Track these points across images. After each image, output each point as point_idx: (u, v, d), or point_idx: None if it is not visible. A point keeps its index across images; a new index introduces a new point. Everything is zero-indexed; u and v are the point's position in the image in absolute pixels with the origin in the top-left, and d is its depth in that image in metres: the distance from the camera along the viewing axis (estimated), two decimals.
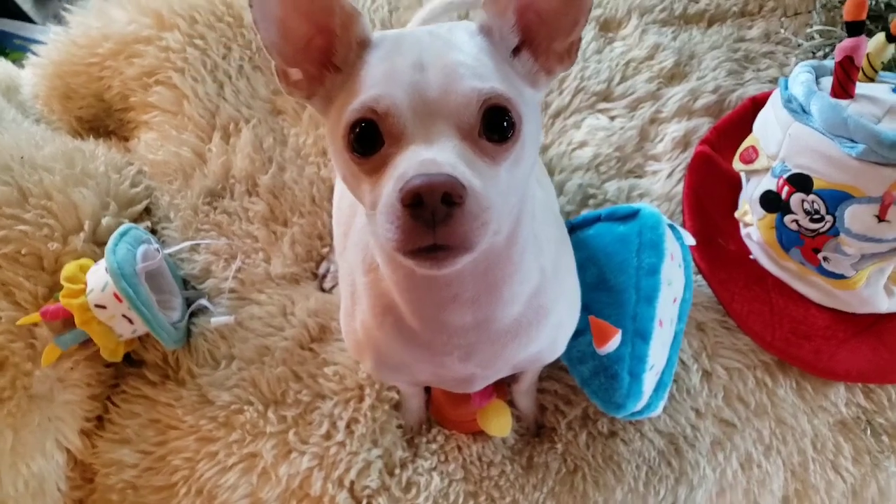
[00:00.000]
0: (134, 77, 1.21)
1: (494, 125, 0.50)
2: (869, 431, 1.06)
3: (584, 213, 1.07)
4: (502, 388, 1.02)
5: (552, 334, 0.73)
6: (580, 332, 0.90)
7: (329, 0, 0.52)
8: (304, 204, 1.17)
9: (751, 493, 1.04)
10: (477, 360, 0.68)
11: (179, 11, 1.20)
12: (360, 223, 0.68)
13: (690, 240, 0.97)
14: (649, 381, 0.92)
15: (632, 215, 0.94)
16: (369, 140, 0.50)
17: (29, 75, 1.31)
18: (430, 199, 0.44)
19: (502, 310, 0.63)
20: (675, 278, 0.92)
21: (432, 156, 0.47)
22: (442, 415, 1.04)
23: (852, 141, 0.91)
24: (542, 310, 0.68)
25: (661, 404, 0.97)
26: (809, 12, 1.27)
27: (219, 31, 1.21)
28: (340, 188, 0.88)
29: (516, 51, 0.55)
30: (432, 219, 0.45)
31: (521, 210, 0.58)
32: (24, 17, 2.01)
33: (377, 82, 0.50)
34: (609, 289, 0.93)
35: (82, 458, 1.03)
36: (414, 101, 0.49)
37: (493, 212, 0.48)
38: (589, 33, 1.30)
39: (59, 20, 1.30)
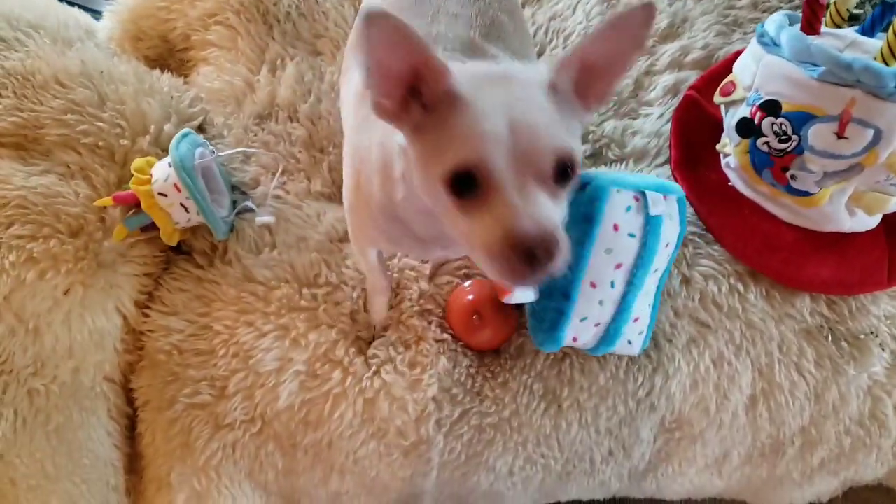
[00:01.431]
0: (196, 18, 1.40)
1: (560, 172, 0.64)
2: (830, 338, 1.18)
3: None
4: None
5: None
6: None
7: (424, 53, 0.62)
8: (336, 134, 1.33)
9: (721, 387, 1.16)
10: (452, 250, 0.91)
11: None
12: (379, 154, 0.80)
13: (656, 209, 1.03)
14: (584, 329, 1.06)
15: (581, 187, 1.05)
16: (467, 185, 0.63)
17: (105, 21, 1.51)
18: (540, 253, 0.59)
19: None
20: (618, 246, 1.02)
21: (536, 213, 0.61)
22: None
23: (814, 65, 1.06)
24: None
25: (640, 345, 1.11)
26: None
27: None
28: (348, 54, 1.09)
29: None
30: (536, 262, 0.59)
31: None
32: None
33: (477, 141, 0.62)
34: None
35: (135, 325, 1.18)
36: (509, 160, 0.61)
37: (566, 239, 0.62)
38: None
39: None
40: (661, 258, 1.07)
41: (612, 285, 1.03)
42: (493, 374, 1.15)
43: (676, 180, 1.26)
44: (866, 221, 1.19)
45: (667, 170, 1.29)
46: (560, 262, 0.61)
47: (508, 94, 0.65)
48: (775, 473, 1.25)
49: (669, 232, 1.07)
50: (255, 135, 1.32)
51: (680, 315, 1.17)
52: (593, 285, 1.03)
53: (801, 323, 1.18)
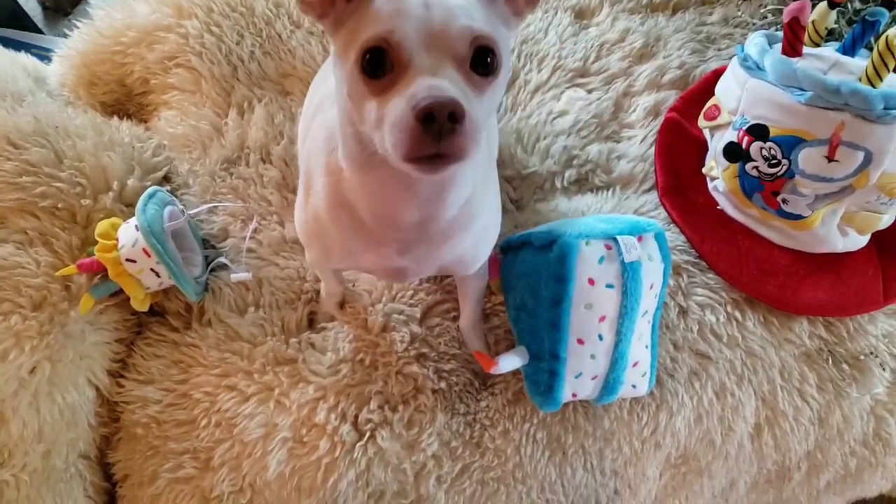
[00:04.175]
0: (155, 61, 1.32)
1: (480, 61, 0.61)
2: (831, 361, 1.16)
3: (519, 233, 1.13)
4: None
5: (475, 239, 0.88)
6: None
7: None
8: None
9: (725, 419, 1.13)
10: (411, 256, 0.82)
11: (197, 2, 1.33)
12: (323, 133, 0.79)
13: (631, 255, 0.98)
14: (582, 384, 1.01)
15: (548, 246, 1.01)
16: (379, 65, 0.60)
17: (56, 67, 1.42)
18: (439, 115, 0.55)
19: (443, 211, 0.76)
20: (598, 300, 0.98)
21: (438, 83, 0.57)
22: None
23: (801, 89, 1.04)
24: (470, 216, 0.82)
25: (646, 385, 1.07)
26: None
27: (233, 20, 1.34)
28: (307, 102, 1.04)
29: None
30: (439, 132, 0.56)
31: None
32: (37, 31, 2.16)
33: (389, 16, 0.60)
34: (528, 312, 1.04)
35: (109, 396, 1.11)
36: (420, 35, 0.59)
37: (480, 131, 0.59)
38: (565, 20, 1.44)
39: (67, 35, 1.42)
40: (648, 300, 1.02)
41: (601, 338, 0.99)
42: (491, 421, 1.10)
43: (665, 207, 1.23)
44: (858, 241, 1.17)
45: (654, 196, 1.26)
46: (467, 134, 0.57)
47: None
48: (781, 497, 1.24)
49: (652, 273, 1.02)
50: (223, 180, 1.26)
51: (680, 348, 1.14)
52: (580, 342, 0.99)
53: (800, 347, 1.16)
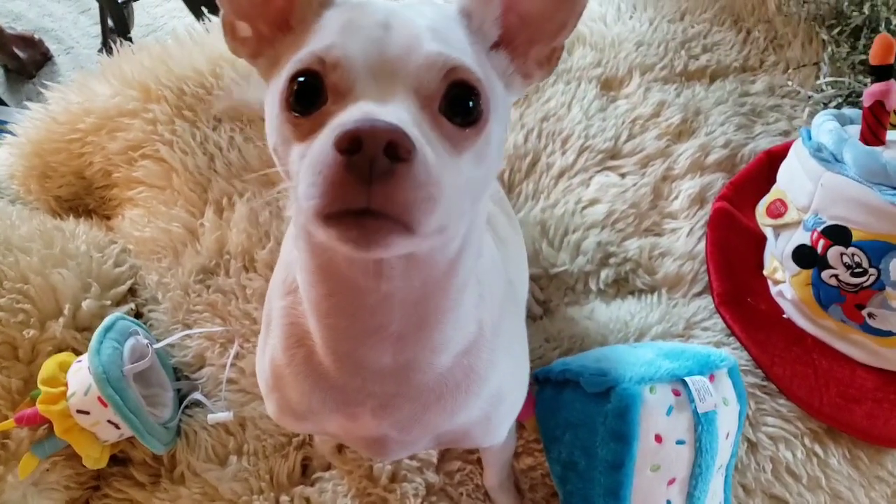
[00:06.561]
0: (118, 151, 1.14)
1: (459, 106, 0.43)
2: None
3: (562, 359, 0.95)
4: None
5: (485, 408, 0.64)
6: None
7: None
8: None
9: None
10: (393, 419, 0.59)
11: (167, 83, 1.14)
12: (287, 235, 0.60)
13: (705, 404, 0.81)
14: None
15: (604, 394, 0.83)
16: (311, 97, 0.42)
17: (4, 155, 1.23)
18: (370, 146, 0.36)
19: (428, 356, 0.55)
20: (666, 461, 0.81)
21: (378, 109, 0.39)
22: None
23: (893, 188, 0.87)
24: (472, 373, 0.59)
25: None
26: (814, 64, 1.25)
27: (208, 103, 1.15)
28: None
29: (494, 46, 0.49)
30: (369, 172, 0.36)
31: (469, 233, 0.49)
32: None
33: (331, 33, 0.43)
34: (578, 473, 0.86)
35: None
36: (370, 56, 0.41)
37: (443, 195, 0.39)
38: (591, 92, 1.26)
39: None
40: (724, 452, 0.84)
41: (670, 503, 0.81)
42: None
43: (724, 319, 1.04)
44: None
45: (707, 300, 1.08)
46: (415, 181, 0.37)
47: (396, 3, 0.47)
48: None
49: (727, 420, 0.84)
50: (199, 295, 1.06)
51: (751, 492, 0.95)
52: None
53: (894, 486, 0.98)
